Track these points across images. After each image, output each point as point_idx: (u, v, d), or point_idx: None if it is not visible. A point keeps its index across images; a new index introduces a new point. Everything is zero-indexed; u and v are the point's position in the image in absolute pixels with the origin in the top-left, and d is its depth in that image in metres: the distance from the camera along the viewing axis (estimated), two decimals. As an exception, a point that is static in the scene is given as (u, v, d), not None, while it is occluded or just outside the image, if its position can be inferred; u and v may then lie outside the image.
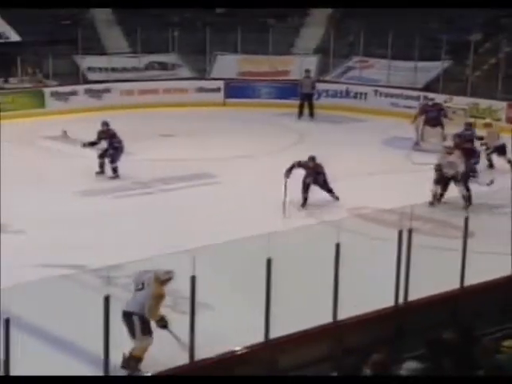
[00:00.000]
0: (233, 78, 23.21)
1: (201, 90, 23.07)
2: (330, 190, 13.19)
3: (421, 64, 21.99)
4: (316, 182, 13.07)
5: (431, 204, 12.88)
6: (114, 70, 22.87)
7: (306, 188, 13.02)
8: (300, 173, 13.10)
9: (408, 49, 22.19)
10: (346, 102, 22.53)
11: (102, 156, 14.84)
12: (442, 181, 13.00)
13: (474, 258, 8.62)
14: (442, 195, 13.03)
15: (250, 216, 12.08)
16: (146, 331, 7.57)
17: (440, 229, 11.59)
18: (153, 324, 7.68)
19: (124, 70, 23.18)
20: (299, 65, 23.12)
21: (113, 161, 14.70)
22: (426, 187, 13.74)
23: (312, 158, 13.15)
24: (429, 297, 8.25)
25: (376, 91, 22.34)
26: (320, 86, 22.81)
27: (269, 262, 7.13)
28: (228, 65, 23.47)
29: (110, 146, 14.79)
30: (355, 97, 22.65)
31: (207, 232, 11.20)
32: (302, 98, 21.17)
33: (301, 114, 21.02)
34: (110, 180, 14.35)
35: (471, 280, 8.47)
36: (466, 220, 8.45)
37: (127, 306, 7.60)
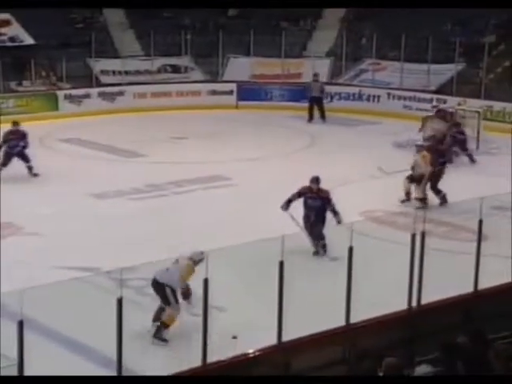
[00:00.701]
0: (245, 80, 23.24)
1: (213, 92, 23.13)
2: (338, 222, 10.64)
3: (434, 66, 21.96)
4: (319, 215, 10.79)
5: (402, 202, 13.14)
6: (127, 72, 22.96)
7: (310, 227, 10.80)
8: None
9: (421, 51, 22.18)
10: (359, 104, 22.52)
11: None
12: (413, 179, 13.23)
13: (487, 261, 8.60)
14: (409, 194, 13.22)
15: (264, 218, 12.08)
16: (177, 300, 8.28)
17: (453, 232, 11.57)
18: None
19: (137, 72, 23.27)
20: (312, 68, 23.14)
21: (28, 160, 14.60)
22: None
23: (316, 180, 10.95)
24: (442, 300, 8.23)
25: (389, 94, 22.32)
26: (333, 89, 22.82)
27: (281, 265, 7.15)
28: (240, 67, 23.51)
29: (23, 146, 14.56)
30: (368, 99, 22.64)
31: (221, 234, 11.20)
32: (311, 101, 21.19)
33: (311, 117, 21.03)
34: (124, 182, 14.36)
35: (485, 283, 8.45)
36: (480, 223, 8.44)
37: (160, 277, 8.27)
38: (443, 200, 13.22)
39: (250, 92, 22.91)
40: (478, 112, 18.53)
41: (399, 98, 22.14)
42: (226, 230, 11.48)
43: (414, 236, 7.99)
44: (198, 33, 24.14)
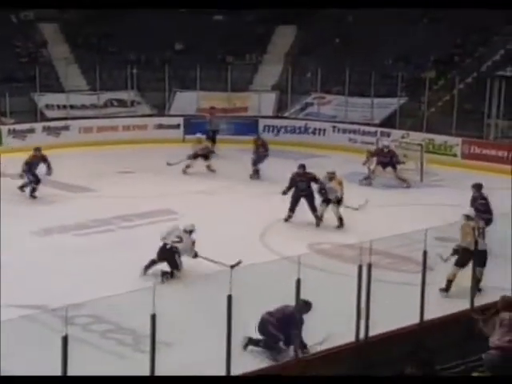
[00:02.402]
0: (192, 114, 23.31)
1: (160, 126, 23.13)
2: (324, 201, 13.98)
3: (377, 100, 22.40)
4: (307, 195, 13.97)
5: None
6: (72, 107, 22.80)
7: (295, 202, 14.07)
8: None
9: (364, 85, 22.61)
10: (305, 137, 22.78)
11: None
12: (327, 202, 14.27)
13: (433, 291, 8.73)
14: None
15: (211, 252, 12.06)
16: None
17: (399, 263, 11.72)
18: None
19: (83, 107, 23.14)
20: (258, 101, 23.36)
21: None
22: (385, 220, 13.95)
23: (302, 166, 14.42)
24: (390, 332, 8.30)
25: (334, 127, 22.65)
26: (279, 123, 23.06)
27: (229, 299, 7.13)
28: (187, 102, 23.58)
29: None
30: (314, 133, 22.92)
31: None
32: (210, 135, 20.95)
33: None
34: (70, 218, 14.19)
35: (431, 314, 8.56)
36: (425, 254, 8.56)
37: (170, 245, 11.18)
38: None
39: (196, 126, 22.95)
40: (421, 145, 18.92)
41: (344, 131, 22.47)
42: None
43: (360, 268, 8.07)
44: (144, 67, 24.18)
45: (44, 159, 16.14)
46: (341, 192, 14.21)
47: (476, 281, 9.55)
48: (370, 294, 8.15)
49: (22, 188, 16.04)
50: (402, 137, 20.14)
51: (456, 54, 23.60)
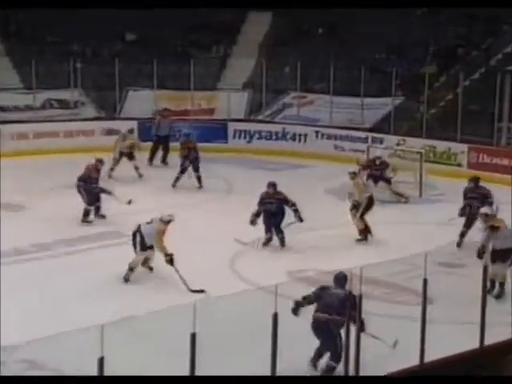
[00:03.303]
0: (148, 117, 23.31)
1: (110, 132, 23.03)
2: (300, 219, 14.32)
3: (368, 100, 22.58)
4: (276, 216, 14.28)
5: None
6: (3, 109, 22.70)
7: (268, 226, 14.33)
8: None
9: (353, 83, 22.78)
10: (283, 145, 22.89)
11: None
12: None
13: (434, 327, 8.80)
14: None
15: (171, 282, 12.06)
16: (143, 249, 12.49)
17: (394, 294, 11.80)
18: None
19: (16, 109, 23.05)
20: (226, 102, 23.43)
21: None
22: (379, 245, 14.05)
23: (272, 185, 14.53)
24: (384, 376, 8.35)
25: (317, 132, 22.77)
26: (251, 127, 23.16)
27: (193, 338, 7.15)
28: (142, 102, 23.59)
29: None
30: (293, 139, 23.03)
31: (116, 302, 11.20)
32: (157, 140, 21.41)
33: (152, 159, 21.20)
34: (4, 243, 14.08)
35: (432, 355, 8.63)
36: (425, 283, 8.63)
37: (139, 228, 12.56)
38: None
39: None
40: (420, 153, 19.07)
41: (329, 137, 22.61)
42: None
43: (349, 299, 8.12)
44: (90, 61, 24.16)
45: None
46: (361, 196, 14.79)
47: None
48: (360, 329, 8.20)
49: None
50: (398, 143, 20.30)
51: (460, 45, 23.90)
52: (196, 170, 18.86)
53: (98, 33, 24.18)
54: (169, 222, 12.51)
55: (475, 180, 14.87)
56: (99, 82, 23.83)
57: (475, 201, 14.26)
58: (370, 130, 22.18)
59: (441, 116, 22.17)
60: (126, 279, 12.38)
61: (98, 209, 15.98)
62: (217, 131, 22.27)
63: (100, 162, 16.63)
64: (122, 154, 19.66)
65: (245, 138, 23.23)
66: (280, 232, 14.32)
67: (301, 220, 14.26)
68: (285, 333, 7.73)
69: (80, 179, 16.11)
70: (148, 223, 12.65)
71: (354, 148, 21.74)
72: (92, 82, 23.83)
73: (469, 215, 14.28)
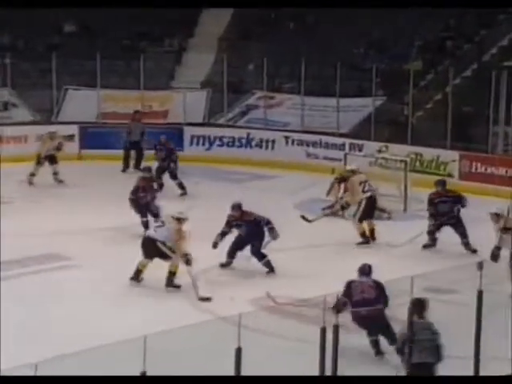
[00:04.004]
0: (91, 121, 23.21)
1: (46, 138, 22.95)
2: (274, 238, 14.35)
3: (344, 101, 22.66)
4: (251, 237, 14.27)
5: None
6: None
7: (235, 247, 14.40)
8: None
9: (327, 81, 22.88)
10: (247, 152, 22.92)
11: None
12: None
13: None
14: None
15: (120, 311, 11.99)
16: (172, 251, 13.05)
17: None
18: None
19: None
20: (182, 103, 23.42)
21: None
22: (359, 264, 14.04)
23: (237, 206, 14.42)
24: None
25: (287, 138, 22.84)
26: (211, 132, 23.17)
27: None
28: (84, 103, 23.51)
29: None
30: (259, 146, 23.09)
31: (61, 335, 11.12)
32: (129, 147, 21.78)
33: (126, 167, 21.55)
34: None
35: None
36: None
37: (151, 235, 13.40)
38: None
39: (97, 137, 22.87)
40: (405, 161, 19.15)
41: (300, 143, 22.68)
42: (71, 329, 11.35)
43: (324, 331, 8.10)
44: (22, 55, 24.04)
45: None
46: (355, 198, 15.80)
47: None
48: (336, 365, 8.18)
49: None
50: (379, 151, 20.40)
51: (449, 38, 24.11)
52: (174, 177, 19.27)
53: (31, 22, 24.04)
54: (182, 219, 13.20)
55: (443, 183, 16.03)
56: (33, 80, 23.74)
57: (445, 205, 15.39)
58: (348, 135, 22.29)
59: (428, 119, 22.34)
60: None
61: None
62: (171, 137, 22.18)
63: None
64: (47, 157, 19.80)
65: (203, 144, 23.25)
66: (263, 257, 14.20)
67: (274, 238, 14.39)
68: (249, 369, 7.69)
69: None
70: (159, 226, 13.65)
71: (329, 156, 21.83)
72: (25, 81, 23.72)
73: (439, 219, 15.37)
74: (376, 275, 11.41)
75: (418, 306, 9.09)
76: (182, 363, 9.67)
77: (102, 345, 9.62)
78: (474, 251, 15.01)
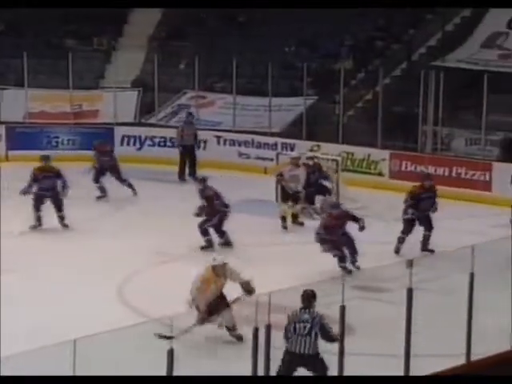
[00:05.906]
0: (18, 121, 22.99)
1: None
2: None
3: (276, 101, 22.76)
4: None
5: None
6: None
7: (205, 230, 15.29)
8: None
9: (258, 80, 22.96)
10: (176, 153, 22.85)
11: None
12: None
13: (359, 361, 8.92)
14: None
15: (59, 317, 11.94)
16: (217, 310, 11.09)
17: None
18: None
19: None
20: (112, 103, 23.29)
21: None
22: (290, 266, 14.14)
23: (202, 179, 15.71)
24: None
25: (218, 138, 22.85)
26: (142, 132, 23.11)
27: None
28: (11, 103, 23.26)
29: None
30: (191, 145, 23.05)
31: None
32: (184, 152, 21.44)
33: (183, 173, 21.24)
34: None
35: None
36: (343, 310, 8.73)
37: None
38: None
39: (25, 138, 22.64)
40: (336, 160, 19.27)
41: (232, 143, 22.72)
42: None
43: (256, 331, 8.17)
44: None
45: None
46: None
47: None
48: (269, 365, 8.25)
49: None
50: (311, 150, 20.50)
51: (379, 37, 24.35)
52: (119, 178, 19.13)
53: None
54: (219, 268, 11.30)
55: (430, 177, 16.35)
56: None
57: (429, 201, 15.40)
58: (280, 134, 22.38)
59: (359, 118, 22.53)
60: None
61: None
62: (101, 137, 22.06)
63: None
64: None
65: (134, 144, 23.16)
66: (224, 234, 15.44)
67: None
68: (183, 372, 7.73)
69: None
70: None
71: (261, 155, 21.92)
72: None
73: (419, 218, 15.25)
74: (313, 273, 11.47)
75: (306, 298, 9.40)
76: (116, 367, 9.66)
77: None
78: (432, 251, 15.06)
